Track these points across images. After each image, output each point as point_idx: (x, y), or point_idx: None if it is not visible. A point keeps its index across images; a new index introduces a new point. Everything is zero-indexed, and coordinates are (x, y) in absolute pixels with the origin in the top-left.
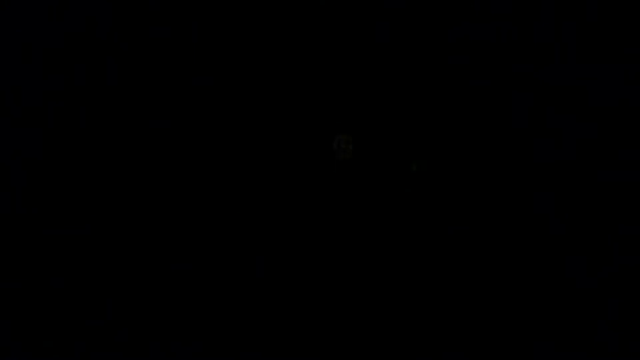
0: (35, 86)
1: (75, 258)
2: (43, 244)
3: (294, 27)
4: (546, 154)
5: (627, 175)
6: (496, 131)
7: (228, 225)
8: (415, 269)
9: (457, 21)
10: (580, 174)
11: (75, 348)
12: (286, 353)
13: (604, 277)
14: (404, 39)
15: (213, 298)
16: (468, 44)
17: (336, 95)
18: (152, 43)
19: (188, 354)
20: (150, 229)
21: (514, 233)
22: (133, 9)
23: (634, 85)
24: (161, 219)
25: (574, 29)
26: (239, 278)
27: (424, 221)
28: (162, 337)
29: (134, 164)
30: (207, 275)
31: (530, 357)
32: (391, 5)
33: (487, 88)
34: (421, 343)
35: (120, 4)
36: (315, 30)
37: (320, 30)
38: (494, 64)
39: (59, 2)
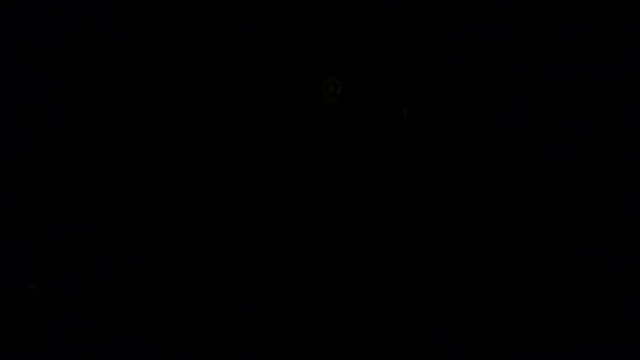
0: (35, 86)
1: (75, 258)
2: (43, 244)
3: None
4: (546, 154)
5: (627, 175)
6: (496, 131)
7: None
8: (405, 224)
9: (457, 21)
10: (580, 174)
11: (75, 348)
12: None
13: (604, 276)
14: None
15: (213, 297)
16: (468, 44)
17: (325, 39)
18: (152, 43)
19: (188, 354)
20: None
21: (514, 233)
22: (133, 9)
23: (635, 85)
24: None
25: (574, 29)
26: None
27: (415, 173)
28: (162, 337)
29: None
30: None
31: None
32: None
33: (487, 88)
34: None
35: (120, 4)
36: None
37: None
38: (493, 64)
39: (59, 2)
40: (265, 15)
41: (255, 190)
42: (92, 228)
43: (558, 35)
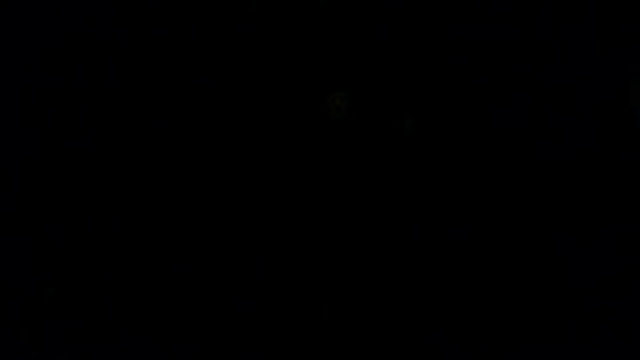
0: (35, 86)
1: (75, 258)
2: (42, 244)
3: None
4: (546, 154)
5: (626, 175)
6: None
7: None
8: (408, 227)
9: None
10: (580, 173)
11: (75, 348)
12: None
13: (604, 276)
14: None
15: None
16: (468, 44)
17: (331, 53)
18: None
19: (188, 354)
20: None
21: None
22: (133, 9)
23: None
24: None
25: (574, 29)
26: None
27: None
28: (162, 337)
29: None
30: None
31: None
32: None
33: (487, 88)
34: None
35: (120, 3)
36: None
37: None
38: (494, 64)
39: (59, 2)
40: (273, 30)
41: (260, 196)
42: (92, 228)
43: (558, 35)
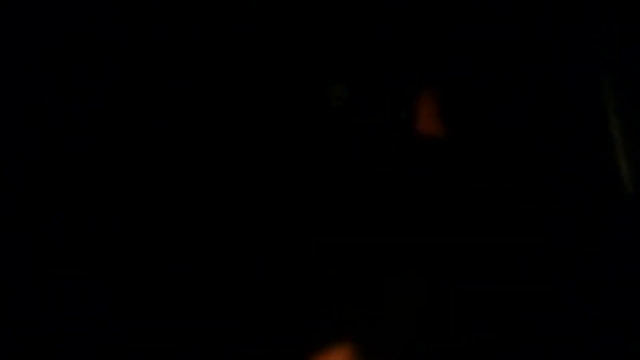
0: (35, 86)
1: (75, 258)
2: (41, 244)
3: None
4: (546, 154)
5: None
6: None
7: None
8: (408, 219)
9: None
10: (580, 173)
11: (75, 348)
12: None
13: (607, 278)
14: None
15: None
16: (468, 44)
17: (332, 51)
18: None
19: (188, 353)
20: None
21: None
22: (133, 9)
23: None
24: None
25: (574, 29)
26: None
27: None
28: (162, 337)
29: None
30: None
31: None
32: None
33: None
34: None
35: (120, 3)
36: None
37: None
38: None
39: (59, 2)
40: (275, 30)
41: (259, 189)
42: (91, 228)
43: (558, 35)
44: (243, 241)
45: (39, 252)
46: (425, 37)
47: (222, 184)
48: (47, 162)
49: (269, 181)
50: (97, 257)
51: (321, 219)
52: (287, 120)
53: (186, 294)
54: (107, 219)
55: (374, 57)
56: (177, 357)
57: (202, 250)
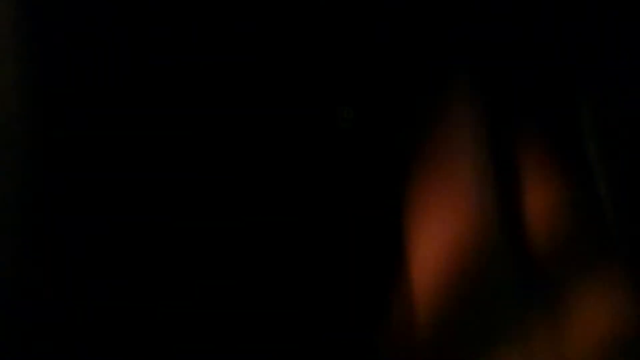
0: (35, 86)
1: (75, 258)
2: (41, 245)
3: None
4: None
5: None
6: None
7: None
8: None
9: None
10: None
11: (75, 349)
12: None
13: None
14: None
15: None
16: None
17: (337, 68)
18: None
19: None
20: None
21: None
22: (133, 9)
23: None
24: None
25: (574, 29)
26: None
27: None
28: (162, 337)
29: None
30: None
31: None
32: None
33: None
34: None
35: (120, 3)
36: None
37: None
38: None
39: (59, 2)
40: (284, 45)
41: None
42: (91, 228)
43: (558, 35)
44: (242, 258)
45: (37, 251)
46: (434, 59)
47: (220, 207)
48: (47, 162)
49: (273, 202)
50: (97, 257)
51: (327, 240)
52: (293, 142)
53: (186, 294)
54: (106, 218)
55: (381, 79)
56: (177, 357)
57: (198, 254)
